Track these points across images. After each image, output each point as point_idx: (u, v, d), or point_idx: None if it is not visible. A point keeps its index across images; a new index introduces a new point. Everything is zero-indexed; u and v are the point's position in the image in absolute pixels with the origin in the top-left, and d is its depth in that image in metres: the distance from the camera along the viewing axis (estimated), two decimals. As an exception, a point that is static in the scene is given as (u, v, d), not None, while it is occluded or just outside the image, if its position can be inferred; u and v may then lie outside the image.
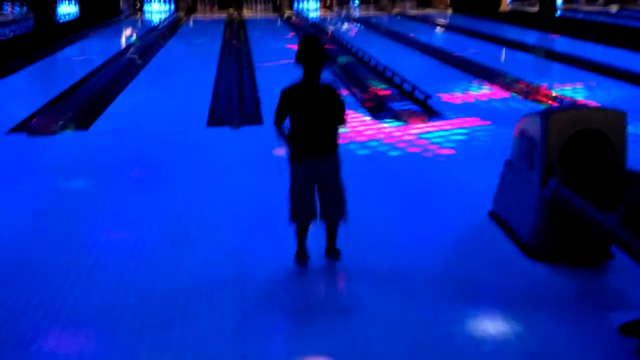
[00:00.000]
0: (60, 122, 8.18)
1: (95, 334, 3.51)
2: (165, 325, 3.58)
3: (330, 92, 3.98)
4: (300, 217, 4.13)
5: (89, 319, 3.66)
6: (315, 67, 3.88)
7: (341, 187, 4.11)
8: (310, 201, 4.09)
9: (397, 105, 8.94)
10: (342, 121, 4.02)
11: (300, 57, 3.88)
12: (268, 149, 7.06)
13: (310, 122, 3.94)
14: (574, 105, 8.45)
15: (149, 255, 4.44)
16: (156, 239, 4.71)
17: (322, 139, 3.99)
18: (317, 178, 4.05)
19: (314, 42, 3.92)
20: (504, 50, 15.67)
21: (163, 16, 26.07)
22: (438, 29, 21.30)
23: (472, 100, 9.70)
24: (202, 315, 3.69)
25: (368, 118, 8.45)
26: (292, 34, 19.39)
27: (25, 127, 8.09)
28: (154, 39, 17.87)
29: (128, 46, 16.83)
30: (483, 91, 10.38)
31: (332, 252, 4.30)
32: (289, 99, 3.96)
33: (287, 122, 4.08)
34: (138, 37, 18.85)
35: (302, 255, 4.25)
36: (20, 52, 14.48)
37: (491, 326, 3.59)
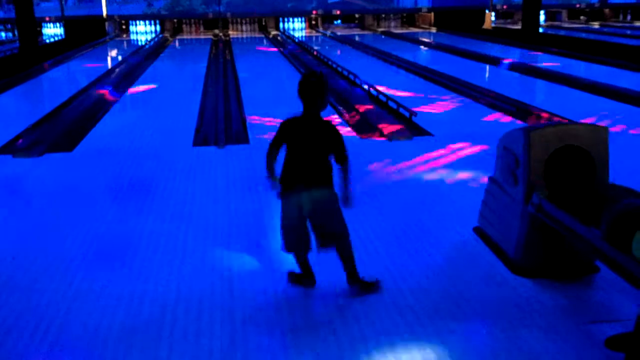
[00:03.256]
0: (46, 144, 8.17)
1: (82, 354, 3.49)
2: (153, 345, 3.57)
3: (328, 127, 3.92)
4: (292, 248, 4.08)
5: (77, 339, 3.64)
6: (312, 103, 3.87)
7: (339, 221, 4.00)
8: (302, 234, 4.01)
9: (382, 123, 9.00)
10: (342, 156, 3.93)
11: (299, 94, 3.89)
12: (254, 168, 7.08)
13: (305, 155, 3.91)
14: (556, 122, 8.54)
15: (137, 273, 4.43)
16: (143, 258, 4.69)
17: (315, 173, 3.92)
18: (307, 211, 3.96)
19: (311, 79, 3.91)
20: (487, 67, 15.82)
21: (149, 37, 26.12)
22: (422, 47, 21.48)
23: (457, 117, 9.78)
24: (190, 334, 3.68)
25: (353, 136, 8.50)
26: (277, 53, 19.48)
27: (10, 148, 8.06)
28: (140, 59, 17.88)
29: (114, 67, 16.84)
30: (467, 108, 10.46)
31: (353, 282, 4.12)
32: (287, 130, 3.95)
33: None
34: (124, 58, 18.86)
35: (307, 278, 4.18)
36: (5, 74, 14.44)
37: (477, 341, 3.60)
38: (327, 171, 3.95)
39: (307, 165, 3.92)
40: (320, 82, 3.90)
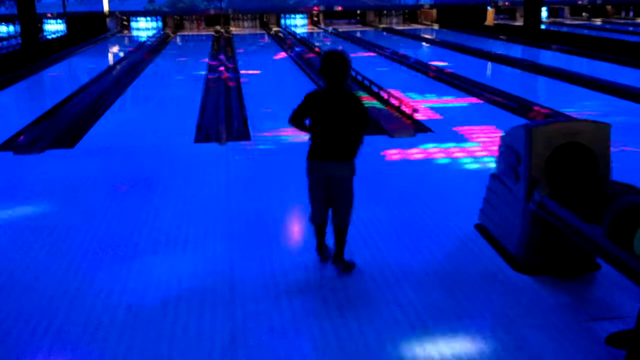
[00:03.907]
0: (47, 140, 8.16)
1: (83, 352, 3.49)
2: (154, 341, 3.57)
3: (353, 101, 4.09)
4: (316, 219, 4.31)
5: (78, 334, 3.64)
6: (336, 80, 4.02)
7: (349, 195, 4.23)
8: (322, 204, 4.24)
9: (383, 119, 8.98)
10: (362, 130, 4.13)
11: (322, 71, 4.06)
12: (255, 165, 7.08)
13: (328, 127, 4.06)
14: (558, 118, 8.52)
15: (138, 271, 4.43)
16: (145, 255, 4.69)
17: (337, 146, 4.09)
18: (327, 182, 4.17)
19: (335, 56, 4.05)
20: (489, 64, 15.79)
21: (150, 33, 26.10)
22: (424, 44, 21.45)
23: (458, 114, 9.76)
24: (191, 331, 3.68)
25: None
26: (279, 49, 19.47)
27: (11, 145, 8.06)
28: (141, 56, 17.86)
29: (115, 63, 16.83)
30: (469, 104, 10.44)
31: (338, 261, 4.37)
32: (311, 102, 4.08)
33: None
34: (125, 55, 18.84)
35: (321, 252, 4.47)
36: (6, 70, 14.44)
37: (479, 339, 3.59)
38: (350, 145, 4.11)
39: (334, 138, 4.07)
40: (344, 59, 4.04)
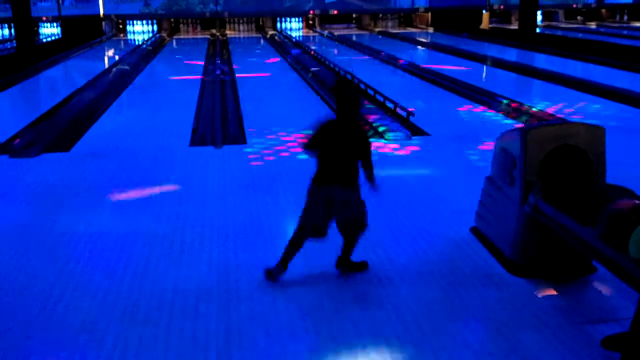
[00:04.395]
0: (42, 144, 8.15)
1: (80, 351, 3.50)
2: (151, 343, 3.58)
3: (358, 130, 4.15)
4: (306, 231, 4.26)
5: (74, 336, 3.64)
6: (348, 109, 4.12)
7: (358, 212, 4.23)
8: (320, 220, 4.20)
9: (379, 123, 9.00)
10: (367, 156, 4.18)
11: (336, 101, 4.18)
12: (251, 168, 7.08)
13: (335, 154, 4.12)
14: (553, 121, 8.55)
15: (133, 273, 4.43)
16: (140, 257, 4.69)
17: (342, 172, 4.13)
18: (331, 204, 4.17)
19: (343, 86, 4.19)
20: (484, 67, 15.83)
21: (146, 37, 26.09)
22: (419, 47, 21.48)
23: (454, 117, 9.78)
24: (186, 332, 3.68)
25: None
26: (275, 53, 19.48)
27: (6, 148, 8.04)
28: (137, 59, 17.85)
29: (110, 67, 16.81)
30: (464, 108, 10.46)
31: (342, 265, 4.37)
32: (325, 131, 4.14)
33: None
34: (121, 58, 18.83)
35: (279, 268, 4.26)
36: (2, 74, 14.41)
37: (473, 340, 3.60)
38: (356, 173, 4.17)
39: (340, 165, 4.12)
40: (351, 88, 4.19)
